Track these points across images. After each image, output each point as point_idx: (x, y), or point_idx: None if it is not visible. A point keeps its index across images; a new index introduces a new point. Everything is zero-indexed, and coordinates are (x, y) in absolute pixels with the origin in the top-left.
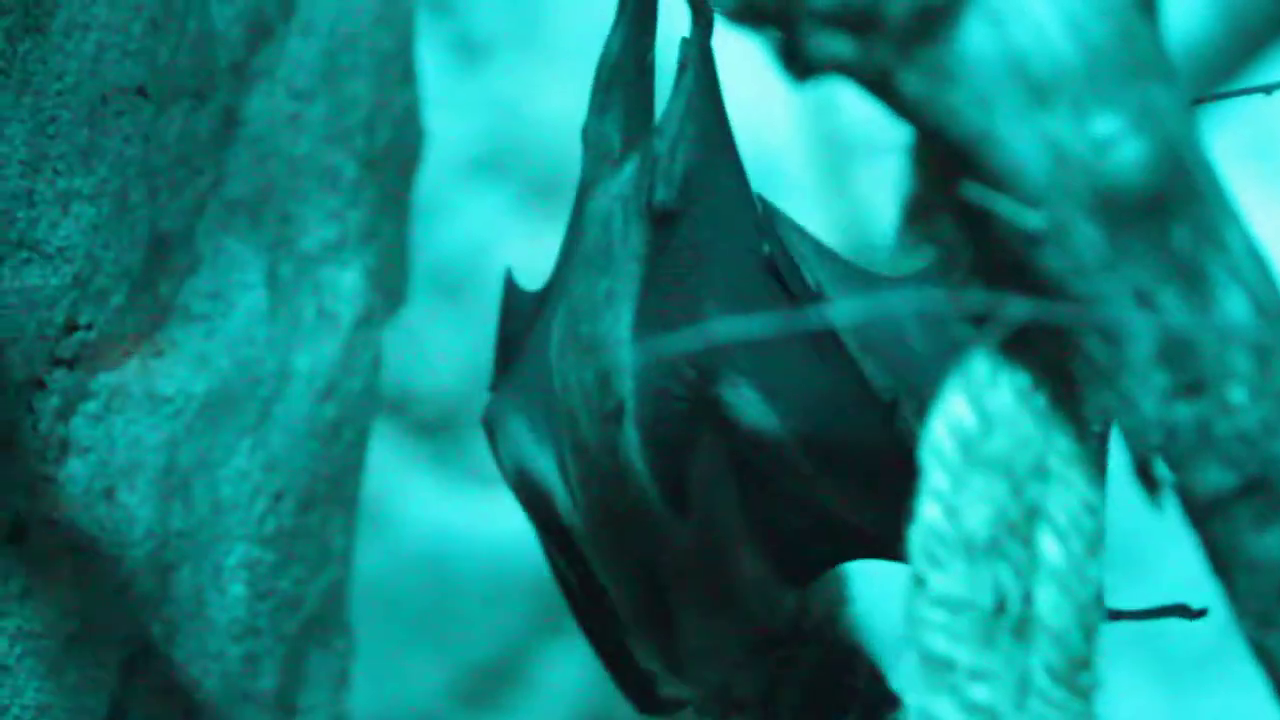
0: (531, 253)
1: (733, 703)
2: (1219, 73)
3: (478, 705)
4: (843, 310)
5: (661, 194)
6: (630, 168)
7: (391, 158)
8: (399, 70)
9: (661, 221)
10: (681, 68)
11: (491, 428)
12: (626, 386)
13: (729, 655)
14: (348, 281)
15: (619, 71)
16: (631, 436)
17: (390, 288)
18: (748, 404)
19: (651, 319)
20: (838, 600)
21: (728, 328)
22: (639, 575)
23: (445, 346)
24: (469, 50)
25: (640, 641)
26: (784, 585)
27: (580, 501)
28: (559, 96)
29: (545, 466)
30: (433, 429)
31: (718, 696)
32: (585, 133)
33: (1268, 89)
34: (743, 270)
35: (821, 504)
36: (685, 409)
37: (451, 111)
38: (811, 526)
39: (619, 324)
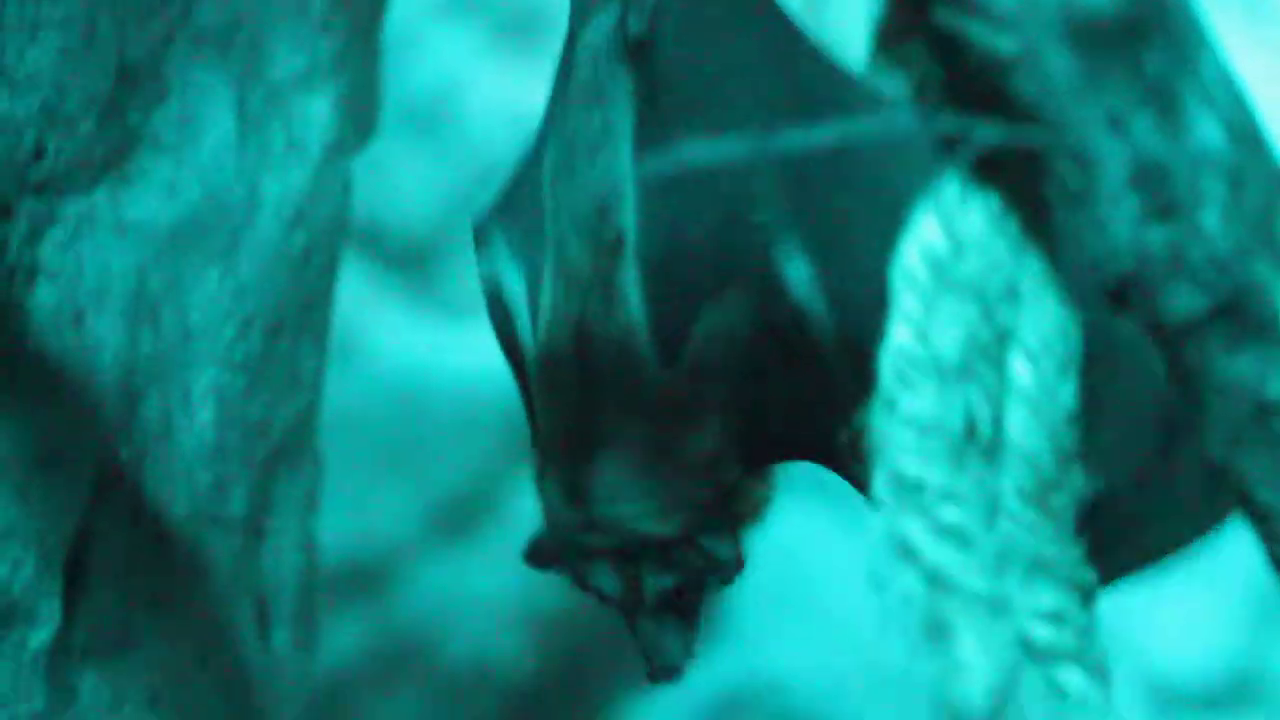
0: (501, 89)
1: (637, 547)
2: None
3: (448, 535)
4: (819, 135)
5: (634, 25)
6: (615, 4)
7: None
8: None
9: (638, 52)
10: None
11: (478, 239)
12: (628, 219)
13: (649, 504)
14: (317, 110)
15: None
16: (631, 270)
17: (360, 118)
18: (801, 280)
19: (649, 149)
20: (767, 494)
21: (707, 151)
22: (582, 405)
23: (415, 180)
24: None
25: (552, 471)
26: (733, 462)
27: (548, 325)
28: None
29: (514, 286)
30: (403, 262)
31: (622, 538)
32: None
33: None
34: (745, 93)
35: (815, 396)
36: (713, 258)
37: None
38: (791, 416)
39: (617, 157)
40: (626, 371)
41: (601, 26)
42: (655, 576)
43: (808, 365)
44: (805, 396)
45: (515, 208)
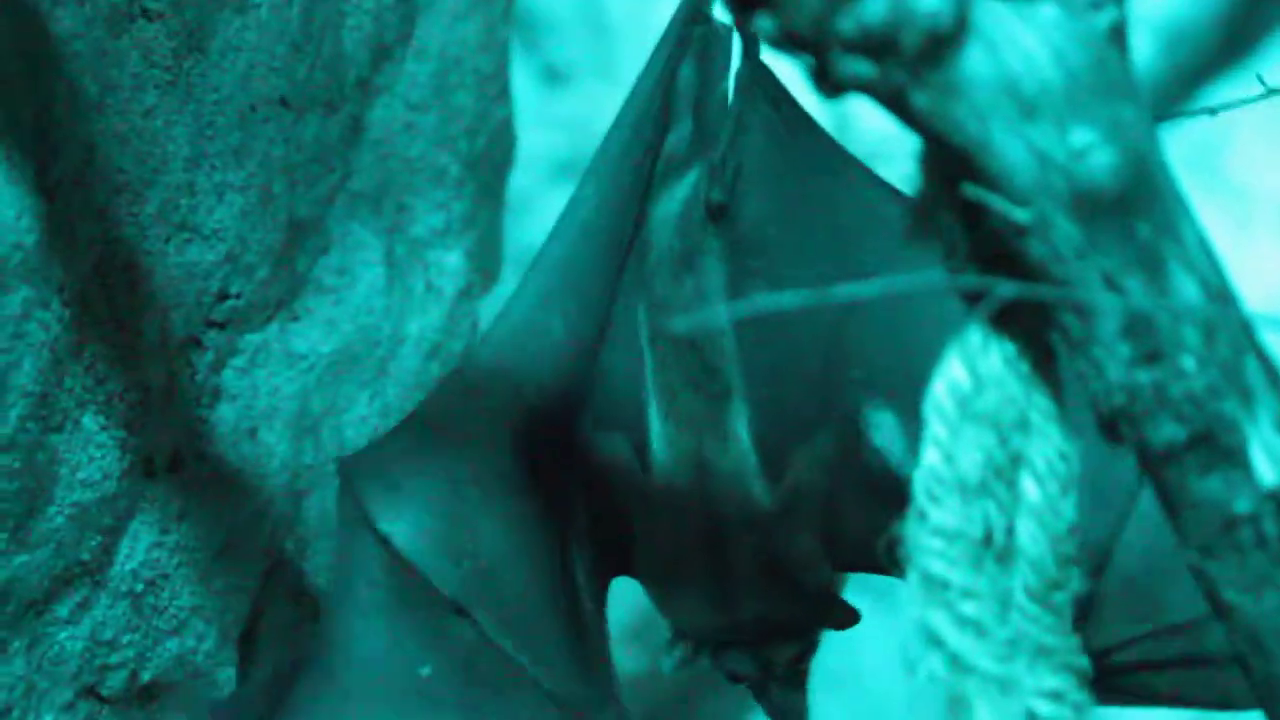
0: None
1: (771, 630)
2: (1164, 99)
3: None
4: (866, 289)
5: (717, 194)
6: (693, 175)
7: (489, 159)
8: (496, 88)
9: (718, 214)
10: (737, 88)
11: (579, 437)
12: (732, 370)
13: (777, 600)
14: (451, 261)
15: (684, 93)
16: (740, 409)
17: (486, 267)
18: (884, 431)
19: (743, 308)
20: (845, 576)
21: (766, 302)
22: (707, 518)
23: None
24: (554, 76)
25: (687, 575)
26: (824, 564)
27: (665, 461)
28: None
29: (605, 441)
30: None
31: (757, 625)
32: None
33: (1212, 111)
34: (815, 243)
35: (888, 517)
36: (807, 402)
37: (539, 126)
38: (870, 536)
39: (715, 318)
40: (741, 496)
41: (674, 199)
42: (782, 650)
43: (886, 491)
44: (875, 521)
45: (594, 392)
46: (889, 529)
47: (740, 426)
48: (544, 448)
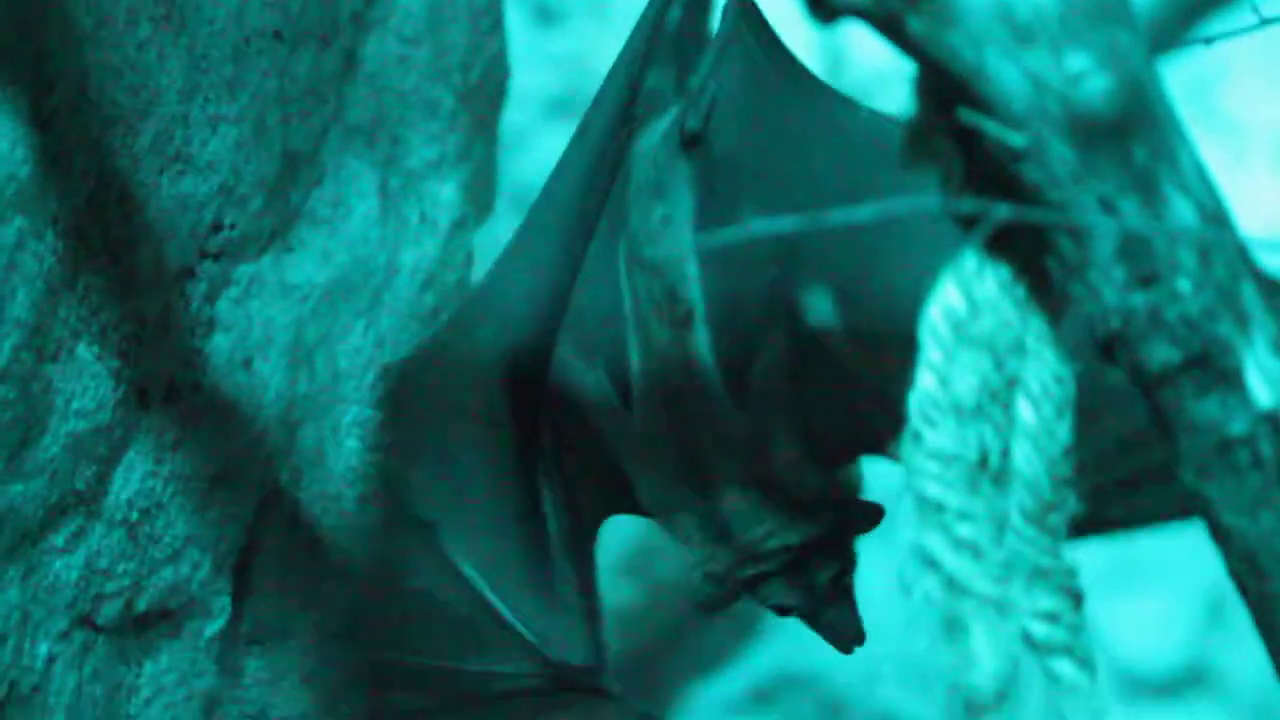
0: None
1: (768, 554)
2: (1160, 32)
3: None
4: (861, 214)
5: (692, 122)
6: (674, 111)
7: (482, 92)
8: (489, 21)
9: (691, 143)
10: (721, 24)
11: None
12: (694, 294)
13: (775, 519)
14: (445, 193)
15: (671, 33)
16: (702, 334)
17: (480, 200)
18: (819, 304)
19: (710, 228)
20: (856, 481)
21: (763, 226)
22: (688, 451)
23: None
24: (546, 16)
25: (688, 517)
26: (813, 467)
27: (641, 395)
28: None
29: (591, 378)
30: None
31: (778, 558)
32: (621, 76)
33: (1208, 41)
34: (798, 170)
35: (856, 401)
36: (761, 309)
37: (534, 64)
38: (844, 422)
39: (679, 241)
40: (712, 419)
41: (654, 133)
42: (820, 572)
43: (834, 379)
44: (842, 405)
45: (578, 321)
46: (861, 412)
47: (703, 349)
48: (522, 384)
